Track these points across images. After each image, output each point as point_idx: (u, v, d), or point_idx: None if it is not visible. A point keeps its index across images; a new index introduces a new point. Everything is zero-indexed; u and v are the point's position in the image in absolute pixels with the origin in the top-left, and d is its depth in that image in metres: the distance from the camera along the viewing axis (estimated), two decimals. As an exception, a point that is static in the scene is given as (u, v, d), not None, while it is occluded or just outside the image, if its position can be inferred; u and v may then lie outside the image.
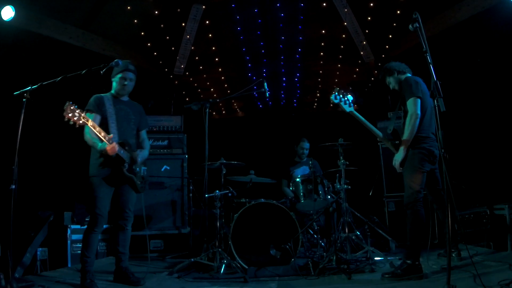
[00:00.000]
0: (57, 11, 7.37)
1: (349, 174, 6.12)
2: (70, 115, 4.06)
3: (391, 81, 5.20)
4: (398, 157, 4.75)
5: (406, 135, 4.68)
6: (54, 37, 7.53)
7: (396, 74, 5.10)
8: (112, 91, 5.00)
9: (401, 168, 4.83)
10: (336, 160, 5.92)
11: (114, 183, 4.70)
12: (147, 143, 5.26)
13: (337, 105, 4.87)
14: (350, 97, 4.88)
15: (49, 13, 7.32)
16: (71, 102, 4.08)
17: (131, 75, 4.93)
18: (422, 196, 4.65)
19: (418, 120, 4.64)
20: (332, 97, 4.78)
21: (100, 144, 4.48)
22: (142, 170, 4.99)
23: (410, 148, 4.71)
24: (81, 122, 4.16)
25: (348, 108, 4.86)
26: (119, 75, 4.88)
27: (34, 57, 7.65)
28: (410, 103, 4.69)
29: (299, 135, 8.16)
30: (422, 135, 4.70)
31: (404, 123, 4.82)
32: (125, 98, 5.06)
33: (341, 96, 4.82)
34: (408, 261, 4.42)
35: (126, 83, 4.89)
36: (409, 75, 5.06)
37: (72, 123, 4.10)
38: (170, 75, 9.66)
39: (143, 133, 5.27)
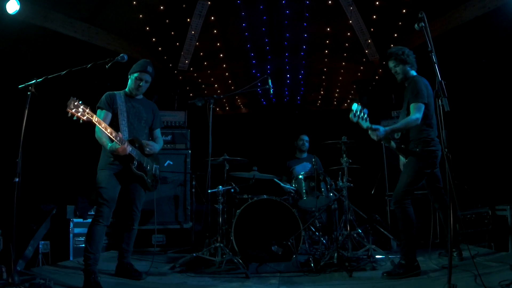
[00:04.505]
0: (62, 5, 7.38)
1: (352, 172, 6.13)
2: (73, 110, 3.95)
3: (399, 71, 4.97)
4: (382, 130, 4.62)
5: (398, 125, 4.67)
6: (59, 31, 7.54)
7: (406, 65, 4.91)
8: (126, 89, 4.97)
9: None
10: (339, 158, 5.92)
11: (124, 180, 4.66)
12: (161, 141, 5.21)
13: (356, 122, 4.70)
14: (366, 110, 4.71)
15: (54, 7, 7.33)
16: (75, 98, 3.98)
17: (148, 77, 4.88)
18: (411, 196, 4.67)
19: (415, 125, 4.60)
20: (351, 115, 4.59)
21: (110, 144, 4.42)
22: (154, 168, 4.94)
23: (418, 149, 4.68)
24: (85, 118, 4.05)
25: (365, 124, 4.66)
26: (136, 74, 4.84)
27: (39, 51, 7.67)
28: (416, 108, 4.61)
29: (302, 133, 8.18)
30: (432, 137, 4.68)
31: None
32: (139, 96, 5.04)
33: (358, 112, 4.62)
34: (405, 260, 4.43)
35: (141, 84, 4.86)
36: (415, 73, 4.95)
37: (76, 118, 3.99)
38: (175, 70, 9.66)
39: (157, 132, 5.23)
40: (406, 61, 4.91)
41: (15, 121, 4.49)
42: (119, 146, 4.38)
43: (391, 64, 5.02)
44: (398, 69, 4.96)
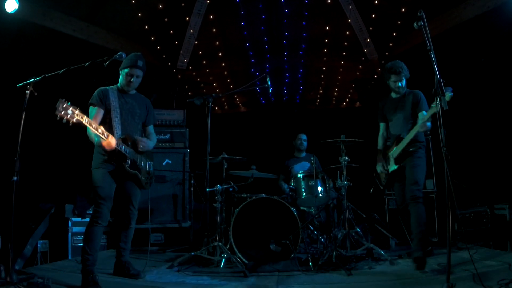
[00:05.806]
0: (61, 3, 7.37)
1: (350, 171, 6.13)
2: (62, 113, 3.86)
3: (404, 84, 5.40)
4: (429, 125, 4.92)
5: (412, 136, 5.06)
6: (58, 29, 7.53)
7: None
8: (118, 84, 4.87)
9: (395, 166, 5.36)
10: (337, 157, 5.91)
11: (118, 179, 4.61)
12: (154, 138, 5.12)
13: None
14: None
15: (53, 5, 7.33)
16: (63, 99, 3.89)
17: (138, 72, 4.77)
18: None
19: None
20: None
21: (96, 139, 4.37)
22: (148, 165, 4.88)
23: (422, 147, 5.17)
24: (74, 120, 3.96)
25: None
26: (126, 70, 4.72)
27: (38, 50, 7.64)
28: (428, 114, 4.88)
29: (300, 132, 8.16)
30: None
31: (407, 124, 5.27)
32: (132, 92, 4.93)
33: None
34: (423, 253, 4.68)
35: (132, 80, 4.75)
36: None
37: (65, 121, 3.91)
38: (173, 69, 9.65)
39: (150, 128, 5.14)
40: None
41: (13, 120, 4.47)
42: (105, 140, 4.30)
43: (400, 77, 5.34)
44: (404, 82, 5.39)
